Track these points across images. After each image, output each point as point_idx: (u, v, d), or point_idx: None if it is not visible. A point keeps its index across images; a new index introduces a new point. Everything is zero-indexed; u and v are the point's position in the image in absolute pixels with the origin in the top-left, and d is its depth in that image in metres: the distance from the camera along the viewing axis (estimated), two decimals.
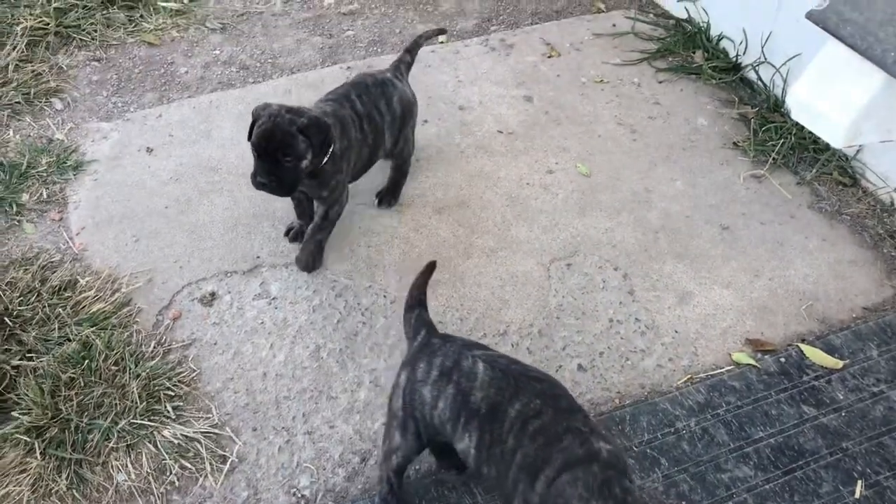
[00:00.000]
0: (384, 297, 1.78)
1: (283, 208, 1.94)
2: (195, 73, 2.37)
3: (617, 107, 2.28)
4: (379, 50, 2.49)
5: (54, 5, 2.42)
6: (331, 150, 1.65)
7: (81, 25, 2.45)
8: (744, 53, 2.33)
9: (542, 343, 1.70)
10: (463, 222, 1.95)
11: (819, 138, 2.00)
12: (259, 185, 1.62)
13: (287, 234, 1.91)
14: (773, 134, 2.13)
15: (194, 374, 1.62)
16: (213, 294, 1.77)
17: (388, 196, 1.98)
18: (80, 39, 2.42)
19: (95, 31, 2.44)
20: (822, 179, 2.06)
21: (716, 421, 1.55)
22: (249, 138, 1.61)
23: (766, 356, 1.67)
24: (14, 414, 1.49)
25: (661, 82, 2.36)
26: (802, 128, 2.09)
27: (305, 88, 2.29)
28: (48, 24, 2.39)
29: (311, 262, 1.82)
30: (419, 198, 2.01)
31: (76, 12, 2.47)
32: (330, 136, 1.63)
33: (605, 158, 2.11)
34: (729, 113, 2.25)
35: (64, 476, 1.42)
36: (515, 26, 2.59)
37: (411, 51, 1.98)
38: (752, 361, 1.66)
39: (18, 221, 1.89)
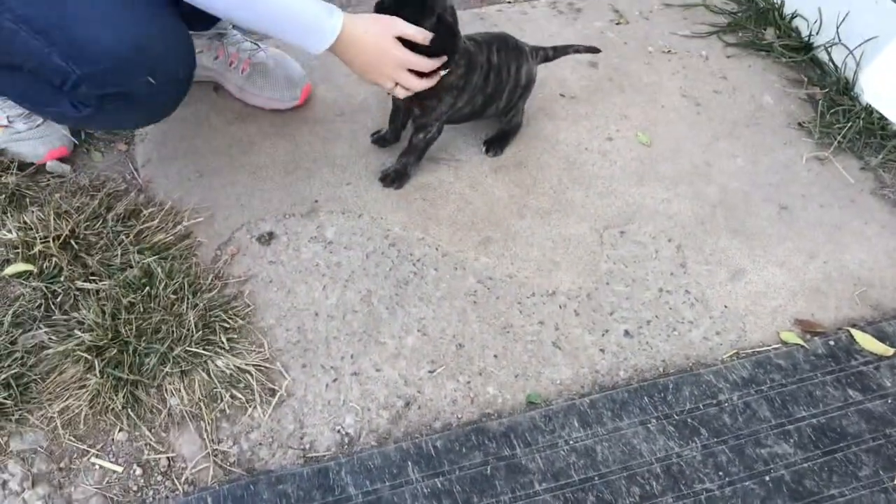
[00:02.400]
0: (436, 249, 1.80)
1: (342, 155, 1.97)
2: None
3: (682, 78, 2.25)
4: None
5: None
6: (449, 65, 1.69)
7: None
8: (817, 33, 2.28)
9: (589, 306, 1.71)
10: (519, 183, 1.96)
11: (889, 124, 1.97)
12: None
13: (373, 135, 2.03)
14: (841, 117, 2.09)
15: (249, 308, 1.66)
16: (270, 234, 1.81)
17: (495, 146, 2.02)
18: None
19: None
20: (887, 166, 2.02)
21: (759, 397, 1.56)
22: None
23: (814, 338, 1.67)
24: (76, 332, 1.55)
25: (729, 57, 2.33)
26: (871, 112, 2.05)
27: None
28: None
29: (390, 179, 1.92)
30: (476, 156, 2.02)
31: None
32: (456, 44, 1.66)
33: (666, 129, 2.10)
34: (796, 93, 2.21)
35: (120, 395, 1.48)
36: None
37: (556, 51, 2.00)
38: (800, 341, 1.65)
39: (87, 150, 1.94)
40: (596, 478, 1.42)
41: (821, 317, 1.71)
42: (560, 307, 1.70)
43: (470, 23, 2.38)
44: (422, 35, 1.60)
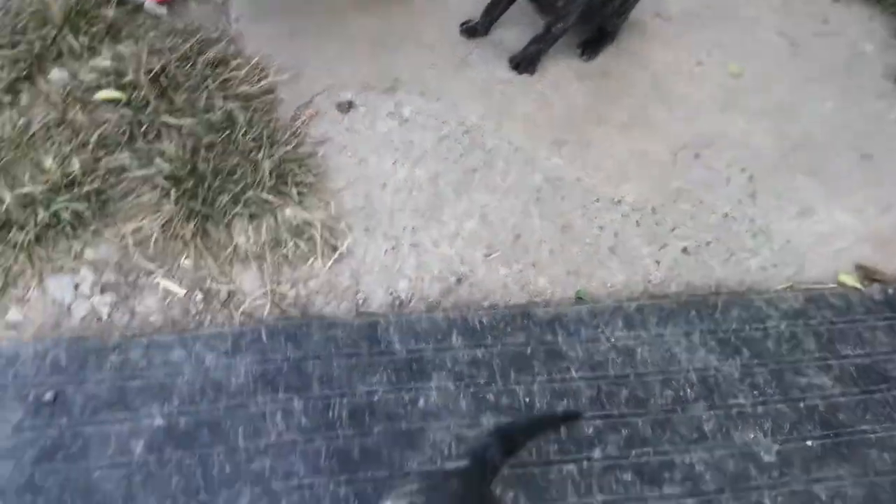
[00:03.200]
0: (508, 143, 1.81)
1: (430, 38, 1.98)
2: None
3: (784, 15, 2.19)
4: None
5: None
6: None
7: None
8: None
9: (653, 220, 1.71)
10: (601, 92, 1.95)
11: None
12: None
13: (462, 24, 2.01)
14: None
15: (321, 169, 1.71)
16: (350, 103, 1.84)
17: (591, 49, 2.01)
18: None
19: None
20: None
21: (807, 329, 1.56)
22: None
23: (873, 284, 1.66)
24: (157, 161, 1.61)
25: (836, 1, 2.25)
26: None
27: None
28: None
29: (523, 63, 1.94)
30: (564, 60, 2.01)
31: None
32: None
33: (759, 63, 2.06)
34: None
35: (191, 225, 1.54)
36: None
37: None
38: (857, 285, 1.64)
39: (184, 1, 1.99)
40: (632, 375, 1.46)
41: (884, 266, 1.69)
42: (623, 216, 1.71)
43: None
44: None
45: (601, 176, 1.78)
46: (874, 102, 2.01)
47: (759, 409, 1.45)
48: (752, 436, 1.42)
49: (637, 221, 1.71)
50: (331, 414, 1.38)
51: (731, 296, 1.60)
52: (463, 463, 1.11)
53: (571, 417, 1.39)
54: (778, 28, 2.16)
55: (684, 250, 1.67)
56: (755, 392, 1.46)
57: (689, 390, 1.45)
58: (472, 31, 2.01)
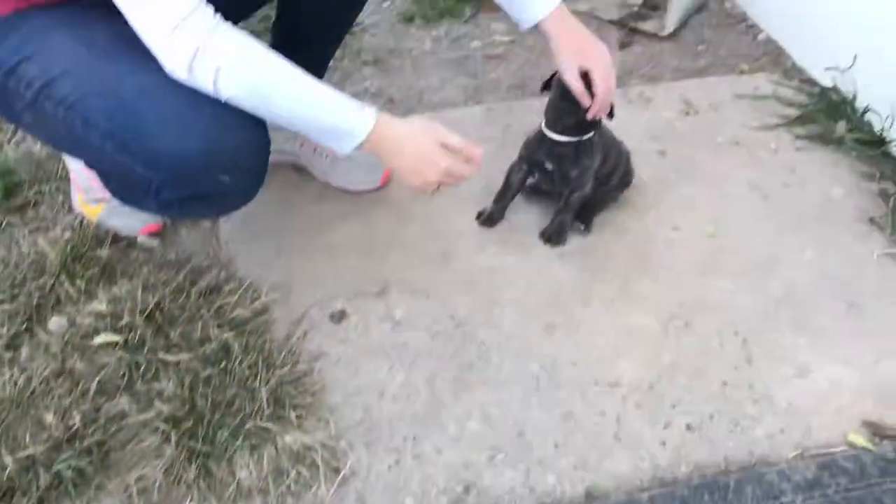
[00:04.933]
0: (500, 333, 1.84)
1: (413, 237, 2.05)
2: None
3: (751, 170, 2.28)
4: (520, 94, 2.57)
5: None
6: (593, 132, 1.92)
7: None
8: (890, 127, 2.28)
9: (652, 398, 1.72)
10: (584, 270, 2.00)
11: None
12: (563, 129, 1.91)
13: (478, 217, 2.11)
14: None
15: (317, 386, 1.73)
16: (342, 312, 1.89)
17: (587, 220, 2.10)
18: None
19: None
20: None
21: (823, 501, 1.53)
22: (545, 88, 1.91)
23: (883, 441, 1.64)
24: (156, 403, 1.64)
25: (798, 149, 2.34)
26: None
27: (446, 125, 2.39)
28: None
29: (555, 236, 2.04)
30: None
31: None
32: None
33: (733, 221, 2.12)
34: (868, 187, 2.21)
35: (193, 466, 1.55)
36: (655, 81, 2.62)
37: None
38: (868, 445, 1.62)
39: (175, 228, 2.07)
40: None
41: (891, 419, 1.68)
42: (622, 398, 1.72)
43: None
44: (462, 144, 1.63)
45: (594, 357, 1.80)
46: (852, 247, 2.05)
47: None
48: None
49: (637, 402, 1.71)
50: None
51: (742, 472, 1.58)
52: None
53: None
54: (748, 183, 2.24)
55: (688, 427, 1.67)
56: None
57: None
58: (490, 219, 2.09)
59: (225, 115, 1.52)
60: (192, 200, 1.59)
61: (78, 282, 1.87)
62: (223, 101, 1.47)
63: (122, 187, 1.73)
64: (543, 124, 1.96)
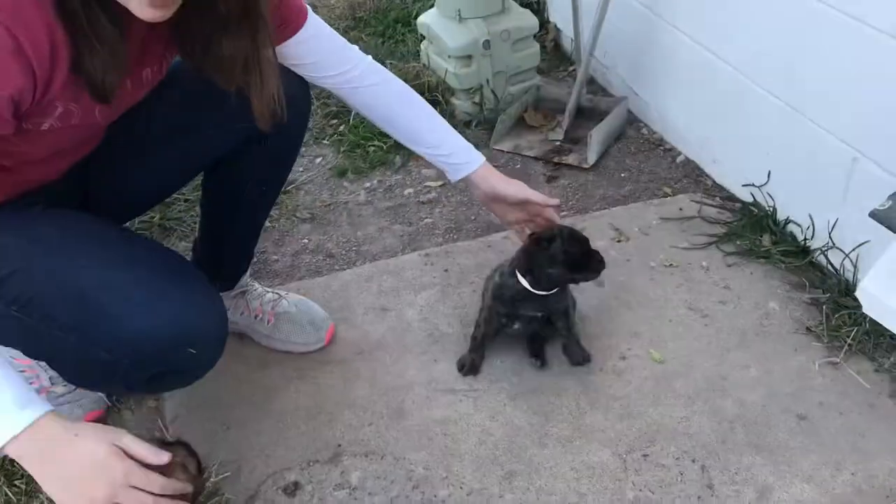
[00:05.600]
0: (461, 488, 1.81)
1: (362, 396, 2.03)
2: (285, 262, 2.54)
3: (687, 291, 2.33)
4: (455, 237, 2.63)
5: None
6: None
7: (183, 218, 2.67)
8: (812, 237, 2.38)
9: None
10: (538, 409, 1.99)
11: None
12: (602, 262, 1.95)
13: (461, 369, 2.10)
14: (847, 319, 2.14)
15: None
16: (296, 484, 1.83)
17: (542, 355, 2.15)
18: (181, 231, 2.63)
19: (195, 223, 2.63)
20: None
21: None
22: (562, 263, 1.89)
23: None
24: None
25: (729, 266, 2.41)
26: None
27: (386, 275, 2.43)
28: (154, 216, 2.63)
29: (584, 357, 2.09)
30: (495, 383, 2.07)
31: (179, 205, 2.70)
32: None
33: (677, 344, 2.15)
34: (800, 297, 2.27)
35: None
36: (584, 211, 2.71)
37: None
38: None
39: (119, 409, 2.02)
40: None
41: None
42: None
43: (480, 251, 2.51)
44: (153, 455, 1.33)
45: (557, 502, 1.77)
46: (794, 358, 2.09)
47: None
48: None
49: None
50: None
51: None
52: None
53: None
54: (686, 303, 2.29)
55: None
56: None
57: None
58: (473, 367, 2.09)
59: (190, 294, 1.55)
60: (159, 376, 1.56)
61: (17, 482, 1.79)
62: None
63: (81, 374, 1.69)
64: (528, 284, 1.94)
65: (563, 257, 1.87)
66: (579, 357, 2.10)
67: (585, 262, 1.92)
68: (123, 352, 1.48)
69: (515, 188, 1.96)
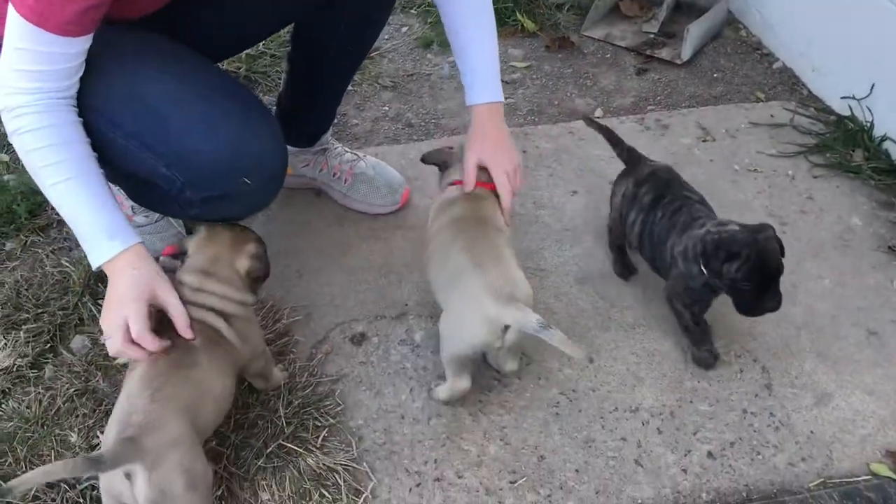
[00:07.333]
0: (521, 358, 1.84)
1: None
2: (365, 126, 2.55)
3: (768, 197, 2.29)
4: (536, 119, 2.60)
5: (247, 52, 2.66)
6: None
7: (268, 72, 2.68)
8: None
9: (672, 425, 1.72)
10: (604, 294, 2.00)
11: None
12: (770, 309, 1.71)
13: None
14: None
15: (339, 408, 1.73)
16: (362, 335, 1.89)
17: None
18: (266, 85, 2.65)
19: (280, 78, 2.63)
20: None
21: None
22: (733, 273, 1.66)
23: None
24: None
25: (816, 177, 2.35)
26: None
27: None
28: (240, 67, 2.64)
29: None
30: (562, 266, 2.08)
31: (264, 59, 2.71)
32: None
33: None
34: (886, 215, 2.21)
35: (217, 492, 1.55)
36: (672, 108, 2.64)
37: None
38: (891, 475, 1.62)
39: None
40: None
41: None
42: (643, 423, 1.72)
43: (560, 136, 2.48)
44: (178, 312, 1.48)
45: (615, 382, 1.80)
46: (871, 275, 2.05)
47: None
48: None
49: (658, 428, 1.71)
50: None
51: (764, 500, 1.58)
52: None
53: None
54: (766, 209, 2.25)
55: (709, 454, 1.66)
56: None
57: None
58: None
59: (251, 123, 1.58)
60: (213, 201, 1.61)
61: (101, 301, 1.87)
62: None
63: (144, 191, 1.75)
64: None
65: (730, 283, 1.68)
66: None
67: (754, 298, 1.69)
68: (181, 168, 1.54)
69: (470, 156, 1.79)
